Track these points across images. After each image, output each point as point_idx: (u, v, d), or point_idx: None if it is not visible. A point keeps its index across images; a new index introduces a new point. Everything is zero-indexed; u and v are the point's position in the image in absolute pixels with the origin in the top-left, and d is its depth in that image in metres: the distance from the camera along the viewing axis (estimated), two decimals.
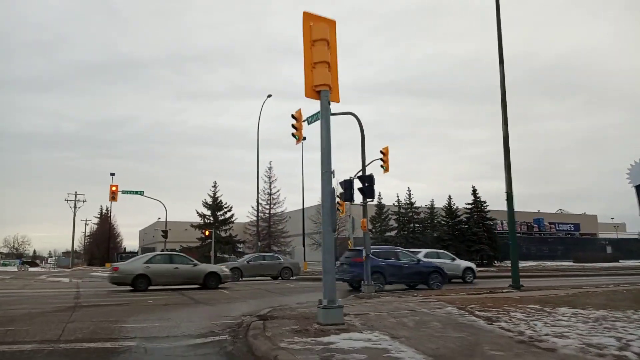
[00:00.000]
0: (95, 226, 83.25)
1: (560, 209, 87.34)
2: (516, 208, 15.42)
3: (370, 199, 14.42)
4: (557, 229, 75.66)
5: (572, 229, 77.71)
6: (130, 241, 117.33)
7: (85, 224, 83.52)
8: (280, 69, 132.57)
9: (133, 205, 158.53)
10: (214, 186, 40.19)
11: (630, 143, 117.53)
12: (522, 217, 69.28)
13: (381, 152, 23.20)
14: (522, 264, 48.87)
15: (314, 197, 40.13)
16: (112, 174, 51.42)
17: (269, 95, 35.00)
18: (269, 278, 25.56)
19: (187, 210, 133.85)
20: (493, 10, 15.64)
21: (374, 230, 44.68)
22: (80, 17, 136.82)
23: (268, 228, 42.99)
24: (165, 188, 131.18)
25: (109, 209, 74.65)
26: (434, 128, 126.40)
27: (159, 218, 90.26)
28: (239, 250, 41.23)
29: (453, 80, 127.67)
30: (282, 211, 44.34)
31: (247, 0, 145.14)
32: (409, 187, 54.05)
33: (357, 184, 14.19)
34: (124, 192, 35.53)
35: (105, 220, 76.08)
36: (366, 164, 27.98)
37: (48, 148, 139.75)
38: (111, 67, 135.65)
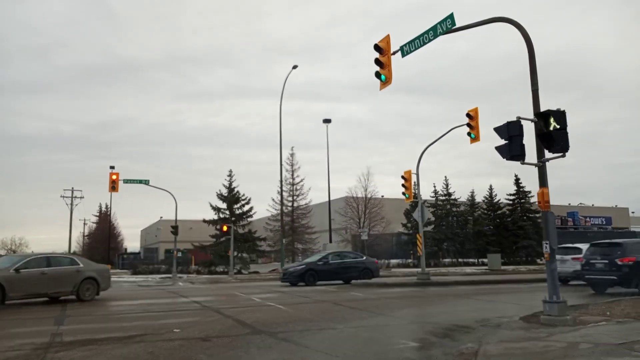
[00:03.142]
0: (95, 225, 77.97)
1: (580, 203, 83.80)
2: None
3: (561, 153, 8.35)
4: (591, 222, 71.30)
5: (604, 222, 73.59)
6: (130, 242, 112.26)
7: (84, 223, 78.15)
8: (276, 69, 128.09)
9: (133, 204, 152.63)
10: (230, 175, 34.41)
11: (627, 139, 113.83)
12: (555, 210, 64.76)
13: (468, 114, 17.90)
14: None
15: (332, 195, 34.76)
16: (112, 167, 47.19)
17: (295, 66, 31.07)
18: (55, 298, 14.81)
19: (189, 209, 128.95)
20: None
21: (409, 225, 39.47)
22: (78, 21, 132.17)
23: (291, 222, 37.52)
24: (165, 188, 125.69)
25: (109, 206, 69.48)
26: (429, 126, 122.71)
27: (161, 217, 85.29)
28: (260, 248, 35.74)
29: (448, 78, 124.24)
30: (306, 203, 38.76)
31: (241, 2, 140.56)
32: (445, 177, 48.78)
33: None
34: (126, 181, 30.25)
35: (104, 218, 70.82)
36: (444, 133, 22.09)
37: (46, 150, 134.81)
38: (108, 70, 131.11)
